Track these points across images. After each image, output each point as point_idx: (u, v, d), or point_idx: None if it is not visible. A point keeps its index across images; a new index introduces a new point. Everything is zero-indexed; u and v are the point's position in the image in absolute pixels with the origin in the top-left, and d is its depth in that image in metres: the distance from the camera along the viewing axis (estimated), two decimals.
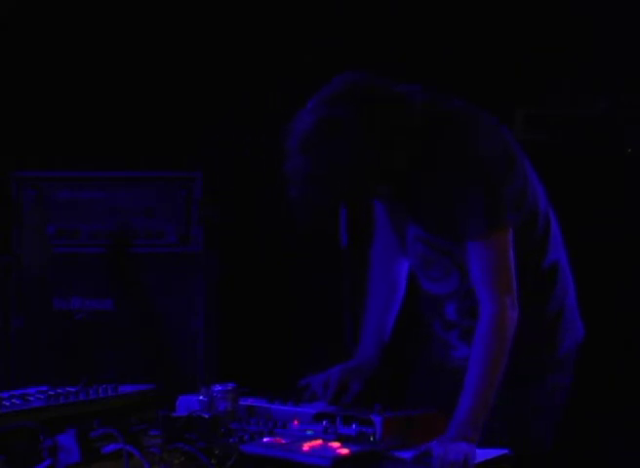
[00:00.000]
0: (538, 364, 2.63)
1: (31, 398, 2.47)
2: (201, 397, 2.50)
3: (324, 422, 2.41)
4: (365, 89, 2.45)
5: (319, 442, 2.30)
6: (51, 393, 2.52)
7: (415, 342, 2.88)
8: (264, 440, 2.32)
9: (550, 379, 2.70)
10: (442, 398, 2.61)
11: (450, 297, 2.70)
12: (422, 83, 2.59)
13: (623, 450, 4.13)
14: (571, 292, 2.75)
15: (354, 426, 2.38)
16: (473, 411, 2.44)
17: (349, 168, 2.42)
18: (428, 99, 2.56)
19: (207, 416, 2.34)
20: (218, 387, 2.51)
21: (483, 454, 2.36)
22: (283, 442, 2.30)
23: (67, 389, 2.55)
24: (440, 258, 2.65)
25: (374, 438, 2.34)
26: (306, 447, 2.26)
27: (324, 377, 2.72)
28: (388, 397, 2.60)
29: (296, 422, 2.47)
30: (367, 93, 2.45)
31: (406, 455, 2.34)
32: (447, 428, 2.42)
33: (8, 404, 2.41)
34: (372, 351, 2.81)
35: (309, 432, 2.39)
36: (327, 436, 2.35)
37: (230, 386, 2.52)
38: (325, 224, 2.65)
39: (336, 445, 2.28)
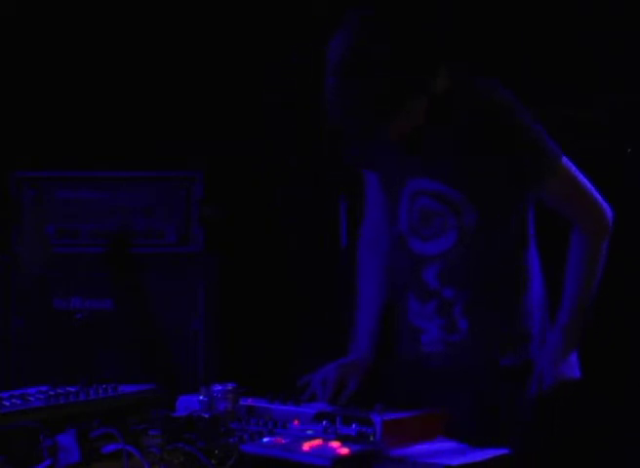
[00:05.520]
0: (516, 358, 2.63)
1: (31, 398, 2.47)
2: (201, 397, 2.49)
3: (324, 422, 2.41)
4: (399, 20, 2.62)
5: (319, 442, 2.30)
6: (51, 393, 2.51)
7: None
8: (264, 440, 2.32)
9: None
10: (414, 398, 2.63)
11: (436, 259, 2.65)
12: None
13: (623, 451, 4.12)
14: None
15: (354, 426, 2.37)
16: (574, 315, 2.53)
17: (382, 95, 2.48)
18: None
19: (207, 416, 2.34)
20: (218, 387, 2.51)
21: (483, 454, 2.36)
22: (283, 442, 2.30)
23: (67, 389, 2.55)
24: (444, 212, 2.61)
25: (374, 438, 2.34)
26: (306, 446, 2.26)
27: (322, 376, 2.73)
28: (386, 396, 2.60)
29: (296, 422, 2.46)
30: (401, 22, 2.62)
31: (406, 454, 2.34)
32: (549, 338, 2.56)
33: (8, 404, 2.41)
34: (366, 346, 2.81)
35: (309, 432, 2.39)
36: (327, 436, 2.35)
37: (230, 386, 2.52)
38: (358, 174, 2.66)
39: (336, 445, 2.27)
